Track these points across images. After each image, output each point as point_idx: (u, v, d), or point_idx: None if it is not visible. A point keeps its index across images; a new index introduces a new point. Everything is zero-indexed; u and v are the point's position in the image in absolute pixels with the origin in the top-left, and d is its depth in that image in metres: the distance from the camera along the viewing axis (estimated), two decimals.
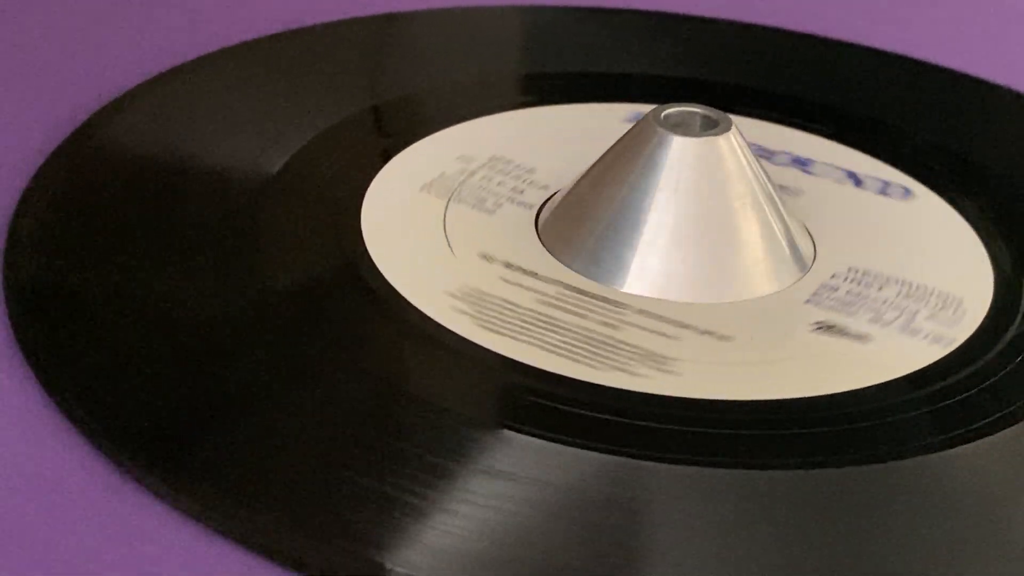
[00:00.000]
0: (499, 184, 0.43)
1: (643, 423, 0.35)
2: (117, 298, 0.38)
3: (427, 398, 0.35)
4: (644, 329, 0.38)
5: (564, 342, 0.37)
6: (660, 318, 0.38)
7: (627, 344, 0.37)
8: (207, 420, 0.35)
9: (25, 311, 0.37)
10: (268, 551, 0.31)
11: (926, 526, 0.33)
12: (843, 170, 0.45)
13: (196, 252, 0.39)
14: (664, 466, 0.34)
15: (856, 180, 0.45)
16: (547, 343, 0.37)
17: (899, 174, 0.45)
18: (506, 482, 0.33)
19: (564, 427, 0.34)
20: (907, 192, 0.45)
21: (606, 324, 0.38)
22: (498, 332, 0.37)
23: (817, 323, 0.39)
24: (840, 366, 0.37)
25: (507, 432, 0.34)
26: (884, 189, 0.45)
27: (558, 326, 0.38)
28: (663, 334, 0.38)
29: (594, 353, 0.37)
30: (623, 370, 0.36)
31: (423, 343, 0.37)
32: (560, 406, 0.35)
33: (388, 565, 0.31)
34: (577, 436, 0.34)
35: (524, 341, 0.37)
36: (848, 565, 0.32)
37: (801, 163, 0.45)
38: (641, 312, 0.38)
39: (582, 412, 0.35)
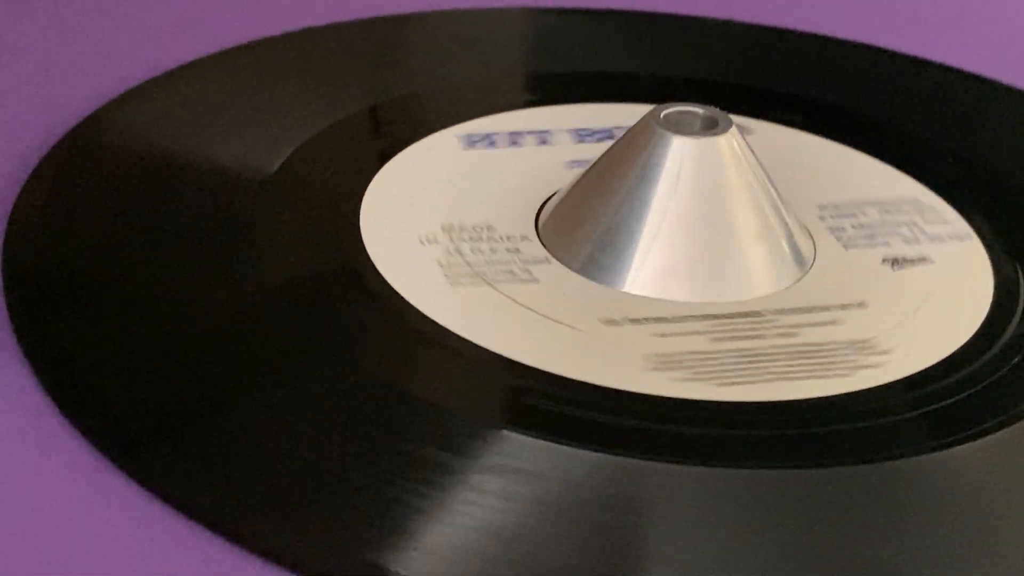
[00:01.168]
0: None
1: (643, 423, 0.35)
2: (115, 296, 0.38)
3: (426, 398, 0.35)
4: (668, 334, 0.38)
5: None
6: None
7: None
8: (206, 419, 0.35)
9: (24, 307, 0.37)
10: (267, 551, 0.31)
11: (926, 526, 0.33)
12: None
13: (195, 251, 0.39)
14: (665, 466, 0.34)
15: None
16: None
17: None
18: (505, 482, 0.33)
19: (564, 427, 0.34)
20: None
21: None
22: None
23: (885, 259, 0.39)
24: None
25: (507, 432, 0.34)
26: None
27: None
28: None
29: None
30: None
31: (422, 343, 0.37)
32: (560, 406, 0.35)
33: (388, 565, 0.31)
34: (577, 436, 0.34)
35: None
36: (848, 565, 0.32)
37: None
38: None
39: (582, 412, 0.35)
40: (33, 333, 0.36)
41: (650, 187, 0.40)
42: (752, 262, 0.40)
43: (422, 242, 0.40)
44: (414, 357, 0.37)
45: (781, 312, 0.39)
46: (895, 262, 0.40)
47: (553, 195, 0.42)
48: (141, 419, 0.34)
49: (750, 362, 0.37)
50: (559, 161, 0.44)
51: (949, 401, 0.37)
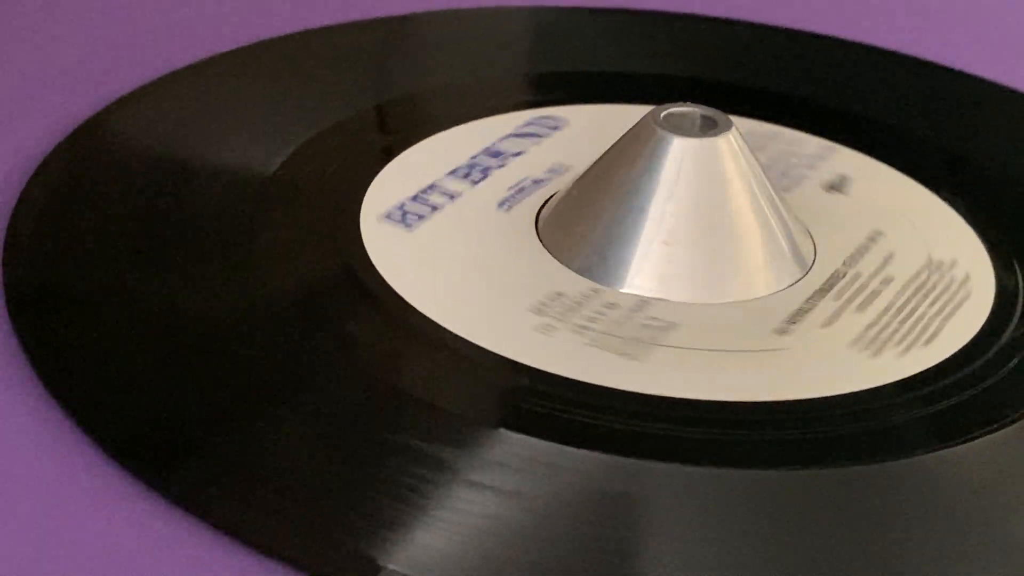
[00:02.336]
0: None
1: (643, 423, 0.35)
2: (116, 298, 0.38)
3: (426, 398, 0.35)
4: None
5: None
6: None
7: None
8: (207, 419, 0.35)
9: (25, 310, 0.37)
10: (267, 551, 0.31)
11: (927, 526, 0.33)
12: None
13: (195, 252, 0.39)
14: (664, 466, 0.34)
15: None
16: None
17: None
18: (505, 482, 0.33)
19: (563, 427, 0.34)
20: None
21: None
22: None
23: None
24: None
25: (506, 432, 0.34)
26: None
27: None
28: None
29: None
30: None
31: (422, 344, 0.37)
32: (559, 406, 0.35)
33: (387, 565, 0.31)
34: (576, 436, 0.34)
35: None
36: (848, 565, 0.32)
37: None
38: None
39: (581, 412, 0.35)
40: (35, 336, 0.36)
41: (650, 187, 0.40)
42: (752, 262, 0.40)
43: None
44: (414, 357, 0.37)
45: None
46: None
47: (553, 195, 0.43)
48: (142, 419, 0.34)
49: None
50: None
51: (949, 402, 0.37)
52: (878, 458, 0.34)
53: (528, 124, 0.46)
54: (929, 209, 0.44)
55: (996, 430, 0.36)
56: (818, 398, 0.36)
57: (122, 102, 0.46)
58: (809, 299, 0.40)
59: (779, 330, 0.38)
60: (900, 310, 0.39)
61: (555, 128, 0.46)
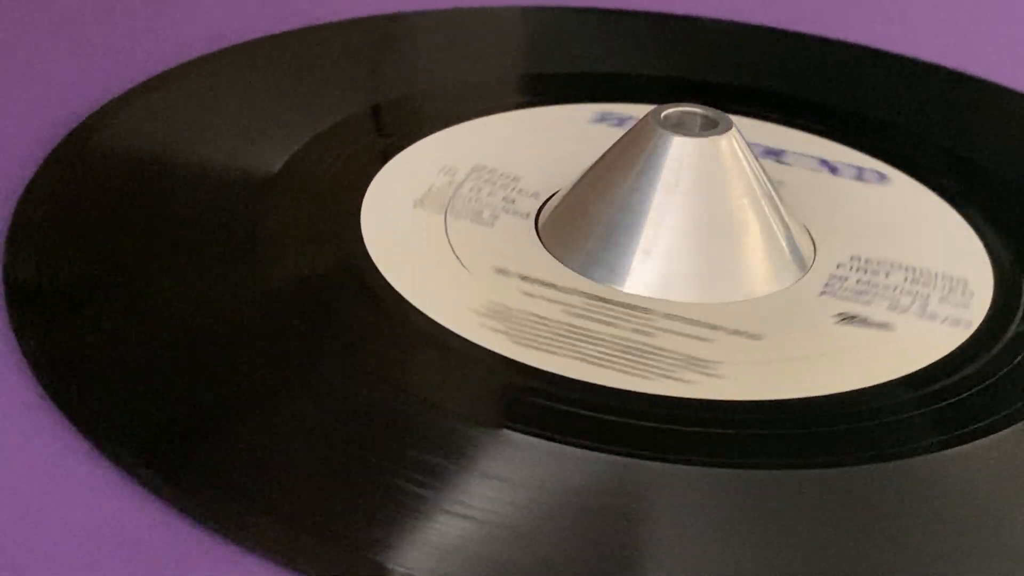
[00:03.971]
0: (498, 188, 0.43)
1: (645, 424, 0.35)
2: (117, 298, 0.38)
3: (428, 398, 0.35)
4: (678, 334, 0.38)
5: (601, 352, 0.37)
6: (689, 321, 0.38)
7: (667, 350, 0.37)
8: (207, 419, 0.35)
9: (25, 310, 0.37)
10: (268, 551, 0.31)
11: (927, 526, 0.33)
12: (852, 167, 0.45)
13: (195, 252, 0.39)
14: (664, 466, 0.34)
15: (858, 175, 0.45)
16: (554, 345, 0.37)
17: (905, 176, 0.45)
18: (506, 482, 0.33)
19: (565, 428, 0.34)
20: (922, 201, 0.45)
21: (638, 331, 0.38)
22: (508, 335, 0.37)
23: (839, 314, 0.39)
24: (865, 359, 0.37)
25: (508, 432, 0.34)
26: (881, 181, 0.45)
27: (592, 336, 0.38)
28: (697, 337, 0.38)
29: (632, 361, 0.37)
30: (669, 377, 0.36)
31: (424, 343, 0.37)
32: (561, 406, 0.35)
33: (388, 565, 0.31)
34: (578, 437, 0.34)
35: (524, 344, 0.37)
36: (848, 564, 0.32)
37: (777, 154, 0.46)
38: (668, 316, 0.38)
39: (582, 412, 0.35)
40: (34, 337, 0.36)
41: (650, 187, 0.40)
42: (752, 262, 0.40)
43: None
44: (414, 357, 0.37)
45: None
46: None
47: (553, 195, 0.43)
48: (141, 419, 0.34)
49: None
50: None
51: (949, 401, 0.37)
52: (878, 458, 0.34)
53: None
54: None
55: (996, 430, 0.36)
56: (817, 398, 0.36)
57: (122, 101, 0.46)
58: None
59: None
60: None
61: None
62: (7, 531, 0.32)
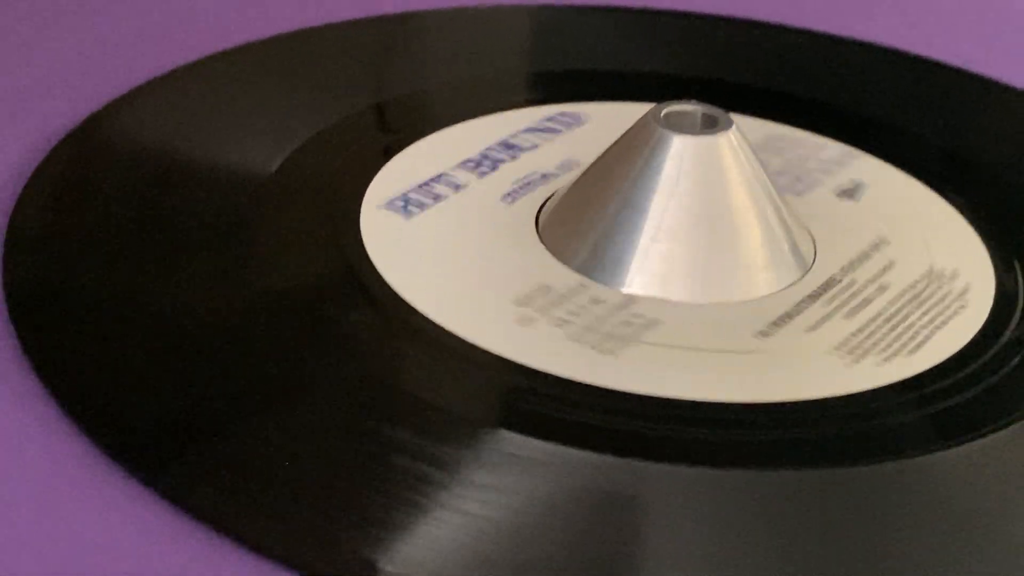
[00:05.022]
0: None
1: (644, 424, 0.35)
2: (116, 297, 0.38)
3: (426, 398, 0.35)
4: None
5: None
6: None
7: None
8: (207, 419, 0.35)
9: (25, 310, 0.37)
10: (266, 551, 0.31)
11: (927, 526, 0.33)
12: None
13: (195, 251, 0.39)
14: (663, 466, 0.34)
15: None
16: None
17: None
18: (504, 482, 0.33)
19: (563, 428, 0.34)
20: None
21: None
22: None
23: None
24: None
25: (505, 432, 0.34)
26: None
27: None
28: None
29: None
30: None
31: (423, 344, 0.37)
32: (559, 407, 0.35)
33: (386, 565, 0.31)
34: (576, 437, 0.34)
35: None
36: (848, 565, 0.32)
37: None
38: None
39: (581, 413, 0.35)
40: (35, 336, 0.36)
41: (650, 186, 0.40)
42: (752, 262, 0.40)
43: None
44: (414, 357, 0.37)
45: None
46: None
47: (553, 194, 0.42)
48: (142, 419, 0.34)
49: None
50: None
51: (949, 402, 0.36)
52: (877, 459, 0.34)
53: (547, 119, 0.46)
54: (940, 217, 0.44)
55: (996, 430, 0.35)
56: (817, 398, 0.36)
57: (122, 101, 0.46)
58: (799, 303, 0.39)
59: (762, 332, 0.38)
60: (890, 319, 0.39)
61: (574, 124, 0.46)
62: (4, 528, 0.32)
